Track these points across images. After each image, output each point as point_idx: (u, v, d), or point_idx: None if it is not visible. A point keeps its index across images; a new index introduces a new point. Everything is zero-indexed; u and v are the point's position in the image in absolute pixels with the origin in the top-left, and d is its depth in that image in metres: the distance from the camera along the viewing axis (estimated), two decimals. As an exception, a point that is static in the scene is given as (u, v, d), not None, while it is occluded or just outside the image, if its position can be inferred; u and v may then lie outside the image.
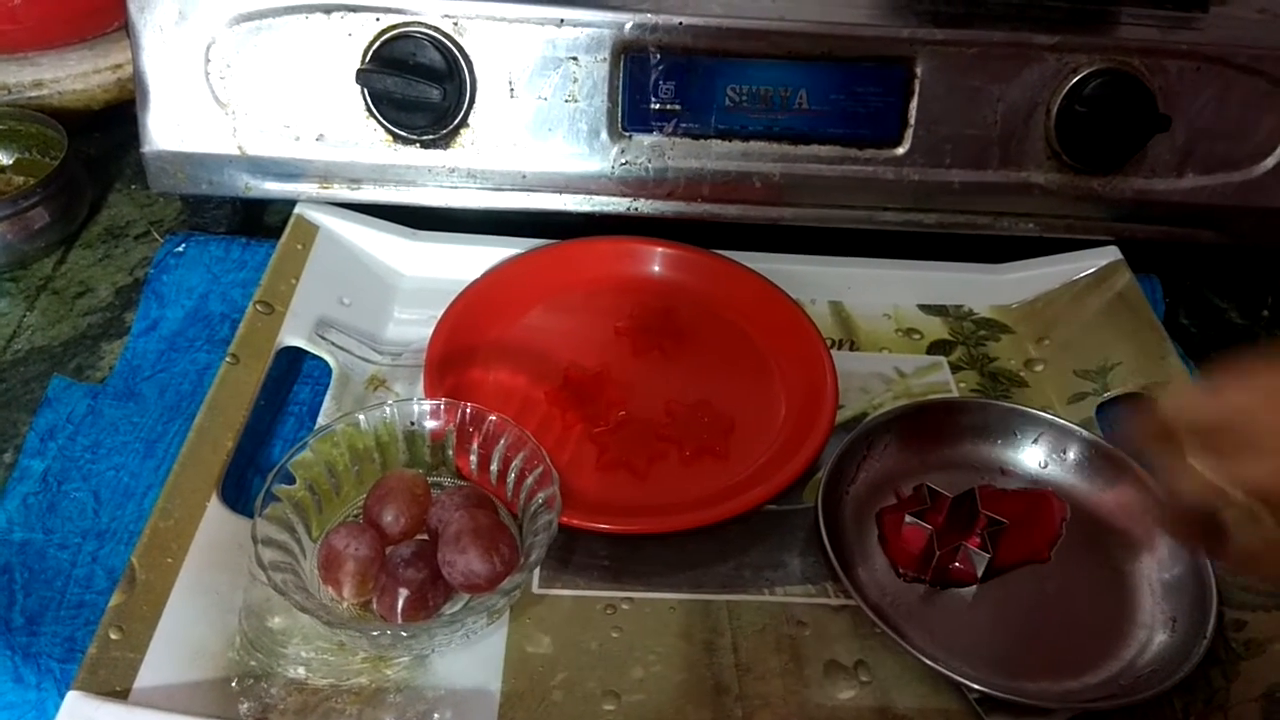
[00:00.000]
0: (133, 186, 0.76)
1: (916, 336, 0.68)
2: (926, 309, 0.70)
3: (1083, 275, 0.69)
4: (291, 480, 0.49)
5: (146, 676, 0.44)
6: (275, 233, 0.67)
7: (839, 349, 0.66)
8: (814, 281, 0.69)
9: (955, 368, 0.65)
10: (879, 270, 0.70)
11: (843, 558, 0.51)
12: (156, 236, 0.72)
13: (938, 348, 0.67)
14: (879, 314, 0.69)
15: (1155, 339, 0.64)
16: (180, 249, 0.68)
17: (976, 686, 0.46)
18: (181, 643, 0.45)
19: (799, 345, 0.63)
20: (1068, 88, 0.64)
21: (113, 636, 0.44)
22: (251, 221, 0.73)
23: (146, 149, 0.65)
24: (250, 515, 0.50)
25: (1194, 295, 0.74)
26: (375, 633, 0.45)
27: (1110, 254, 0.69)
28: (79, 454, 0.56)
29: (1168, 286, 0.71)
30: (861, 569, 0.53)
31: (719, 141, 0.66)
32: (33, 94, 0.76)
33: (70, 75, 0.76)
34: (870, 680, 0.48)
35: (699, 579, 0.52)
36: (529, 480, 0.50)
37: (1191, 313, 0.73)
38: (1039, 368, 0.65)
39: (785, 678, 0.48)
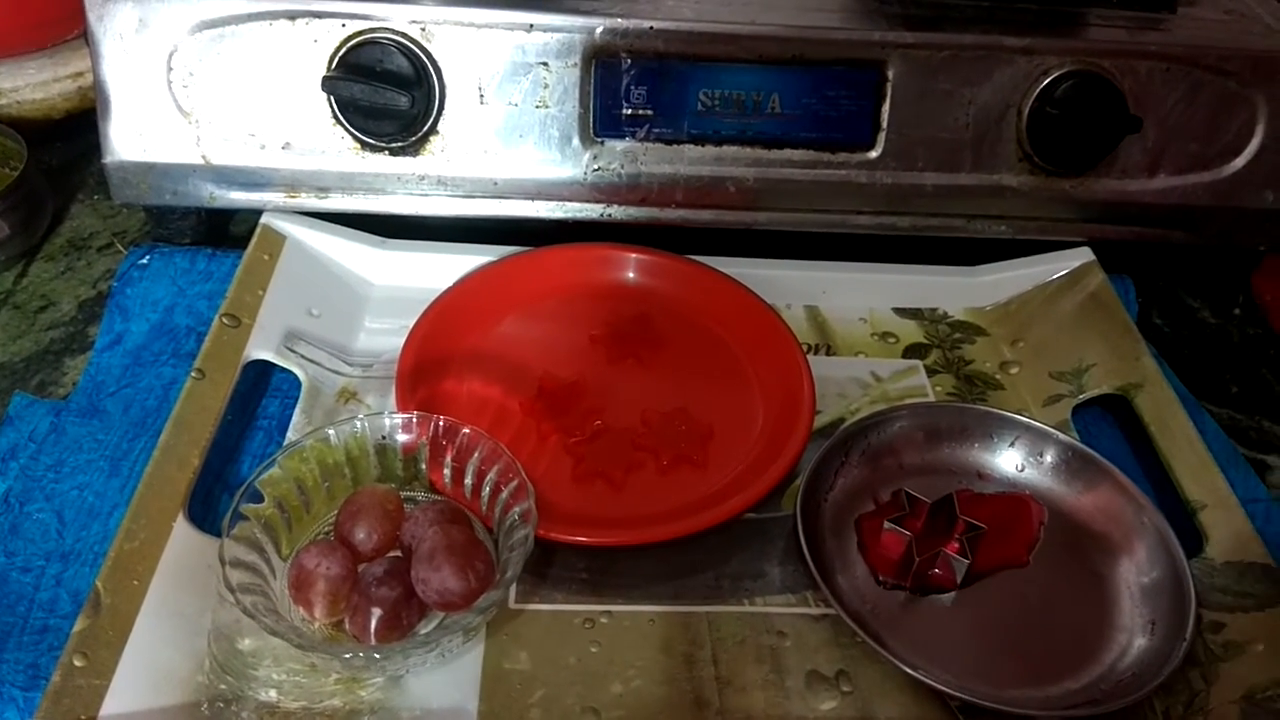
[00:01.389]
0: (95, 197, 0.75)
1: (892, 340, 0.67)
2: (901, 312, 0.69)
3: (1056, 277, 0.69)
4: (260, 498, 0.48)
5: (113, 704, 0.43)
6: (241, 243, 0.66)
7: (815, 354, 0.66)
8: (789, 286, 0.68)
9: (931, 371, 0.65)
10: (854, 274, 0.70)
11: (822, 566, 0.51)
12: (120, 248, 0.71)
13: (913, 351, 0.67)
14: (854, 318, 0.69)
15: (1129, 340, 0.64)
16: (144, 261, 0.66)
17: (959, 695, 0.46)
18: (149, 668, 0.44)
19: (775, 351, 0.62)
20: (1039, 90, 0.64)
21: (77, 663, 0.43)
22: (217, 231, 0.72)
23: (108, 159, 0.64)
24: (218, 534, 0.49)
25: (1166, 295, 0.74)
26: (348, 655, 0.44)
27: (1083, 255, 0.69)
28: (42, 473, 0.55)
29: (1140, 286, 0.71)
30: (841, 577, 0.52)
31: (692, 146, 0.65)
32: (-10, 103, 0.74)
33: (29, 84, 0.75)
34: (852, 690, 0.48)
35: (678, 590, 0.52)
36: (504, 494, 0.49)
37: (1164, 312, 0.73)
38: (1014, 370, 0.65)
39: (766, 690, 0.47)
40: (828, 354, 0.66)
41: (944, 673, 0.47)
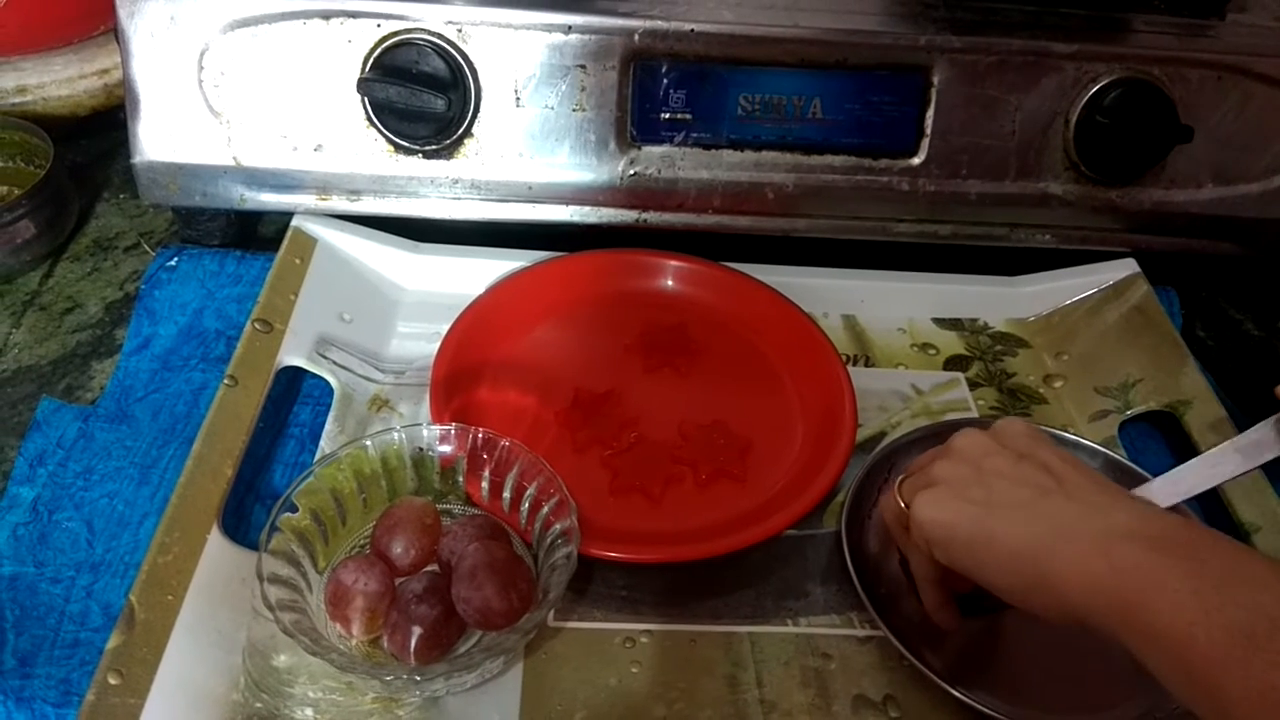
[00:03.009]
0: (121, 196, 0.74)
1: (932, 351, 0.66)
2: (941, 323, 0.68)
3: (1100, 288, 0.68)
4: (295, 509, 0.47)
5: (147, 723, 0.42)
6: (270, 245, 0.65)
7: (854, 364, 0.64)
8: (827, 295, 0.67)
9: (973, 384, 0.64)
10: (893, 283, 0.69)
11: (868, 586, 0.49)
12: (147, 249, 0.69)
13: (955, 363, 0.65)
14: (893, 328, 0.67)
15: (1175, 353, 0.63)
16: (172, 263, 0.65)
17: (1011, 723, 0.45)
18: (184, 685, 0.43)
19: (815, 362, 0.61)
20: (1087, 97, 0.63)
21: (111, 681, 0.42)
22: (246, 233, 0.71)
23: (137, 159, 0.63)
24: (251, 545, 0.48)
25: (1210, 307, 0.73)
26: (389, 676, 0.42)
27: (1128, 266, 0.68)
28: (70, 481, 0.54)
29: (1183, 298, 0.70)
30: (887, 597, 0.51)
31: (731, 152, 0.64)
32: (16, 100, 0.73)
33: (55, 81, 0.74)
34: (900, 716, 0.47)
35: (718, 609, 0.51)
36: (545, 510, 0.48)
37: (1208, 325, 0.72)
38: (1058, 384, 0.64)
39: (812, 714, 0.46)
40: (866, 365, 0.65)
41: (994, 698, 0.46)
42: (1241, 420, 0.62)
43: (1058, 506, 0.40)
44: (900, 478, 0.47)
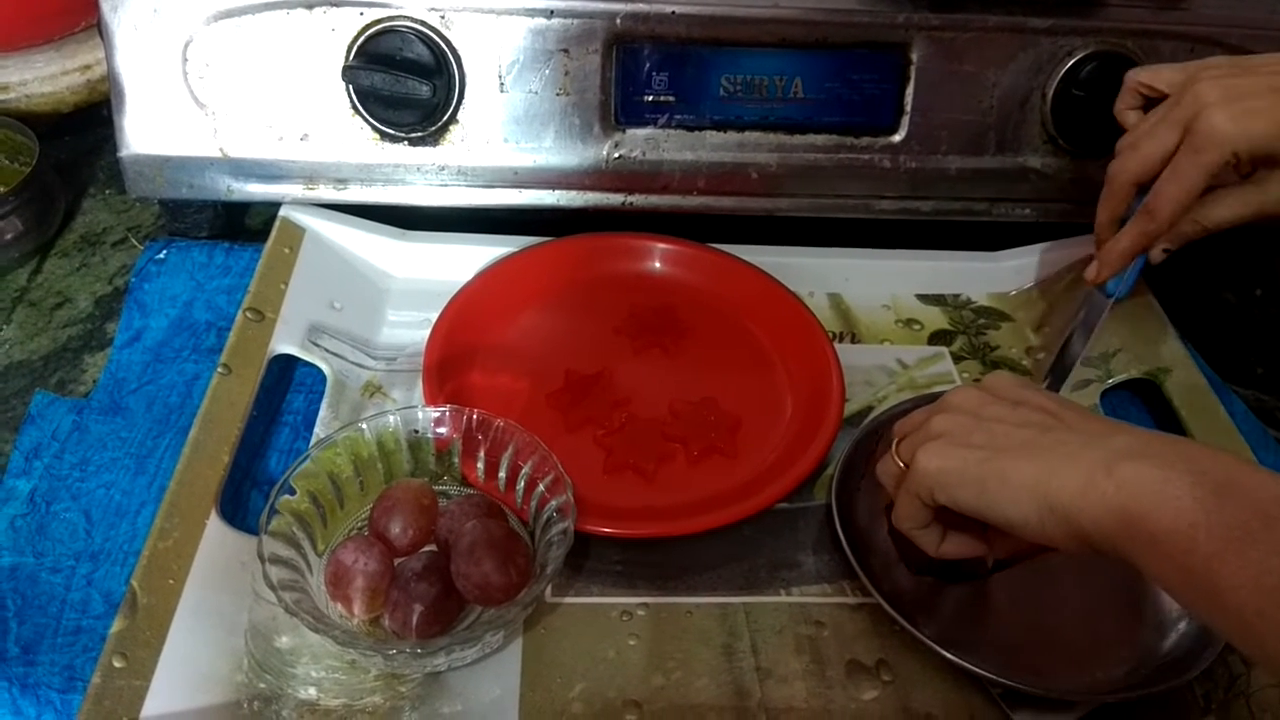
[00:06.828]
0: (107, 191, 0.74)
1: (917, 327, 0.67)
2: (925, 299, 0.69)
3: (1079, 261, 0.69)
4: (293, 493, 0.48)
5: (153, 705, 0.42)
6: (257, 236, 0.65)
7: (840, 341, 0.65)
8: (812, 273, 0.68)
9: (957, 358, 0.65)
10: (877, 261, 0.69)
11: (858, 555, 0.50)
12: (135, 243, 0.70)
13: (939, 338, 0.66)
14: (878, 305, 0.68)
15: (1155, 324, 0.64)
16: (161, 256, 0.66)
17: (1001, 681, 0.46)
18: (188, 667, 0.44)
19: (802, 339, 0.62)
20: (1063, 71, 0.64)
21: (116, 664, 0.43)
22: (233, 225, 0.71)
23: (124, 153, 0.63)
24: (249, 530, 0.49)
25: (1188, 277, 0.74)
26: (392, 651, 0.43)
27: (1106, 238, 0.69)
28: (66, 472, 0.54)
29: (1162, 268, 0.71)
30: (877, 566, 0.52)
31: (714, 133, 0.65)
32: (-1, 98, 0.73)
33: (38, 77, 0.73)
34: (893, 679, 0.48)
35: (713, 581, 0.51)
36: (540, 487, 0.49)
37: (1186, 294, 0.73)
38: (1040, 355, 0.65)
39: (807, 680, 0.47)
40: (852, 341, 0.66)
41: (983, 660, 0.47)
42: (1220, 387, 0.63)
43: (1060, 439, 0.41)
44: (896, 440, 0.48)
